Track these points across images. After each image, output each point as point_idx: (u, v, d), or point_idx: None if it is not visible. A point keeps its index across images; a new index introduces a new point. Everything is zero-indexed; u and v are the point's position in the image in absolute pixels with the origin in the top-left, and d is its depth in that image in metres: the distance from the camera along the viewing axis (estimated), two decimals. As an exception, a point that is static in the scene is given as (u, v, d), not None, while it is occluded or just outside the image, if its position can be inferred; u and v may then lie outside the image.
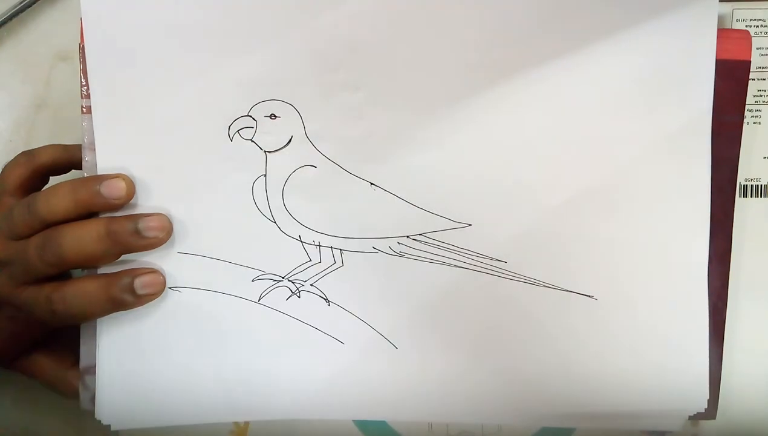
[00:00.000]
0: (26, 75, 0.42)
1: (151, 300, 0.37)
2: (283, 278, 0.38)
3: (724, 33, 0.37)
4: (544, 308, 0.37)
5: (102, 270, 0.37)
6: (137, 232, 0.35)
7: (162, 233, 0.36)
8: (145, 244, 0.36)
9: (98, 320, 0.37)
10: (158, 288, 0.36)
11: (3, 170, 0.38)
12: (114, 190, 0.35)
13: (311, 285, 0.38)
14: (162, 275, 0.37)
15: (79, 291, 0.35)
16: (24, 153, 0.38)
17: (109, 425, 0.38)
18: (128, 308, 0.36)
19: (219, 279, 0.37)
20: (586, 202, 0.37)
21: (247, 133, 0.36)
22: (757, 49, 0.39)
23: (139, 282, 0.36)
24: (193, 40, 0.36)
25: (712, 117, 0.36)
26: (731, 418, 0.41)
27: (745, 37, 0.37)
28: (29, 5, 0.41)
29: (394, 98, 0.36)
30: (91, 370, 0.38)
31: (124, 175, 0.36)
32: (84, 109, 0.36)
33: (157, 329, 0.37)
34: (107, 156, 0.36)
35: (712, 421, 0.40)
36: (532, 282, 0.37)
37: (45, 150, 0.38)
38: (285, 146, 0.37)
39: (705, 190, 0.37)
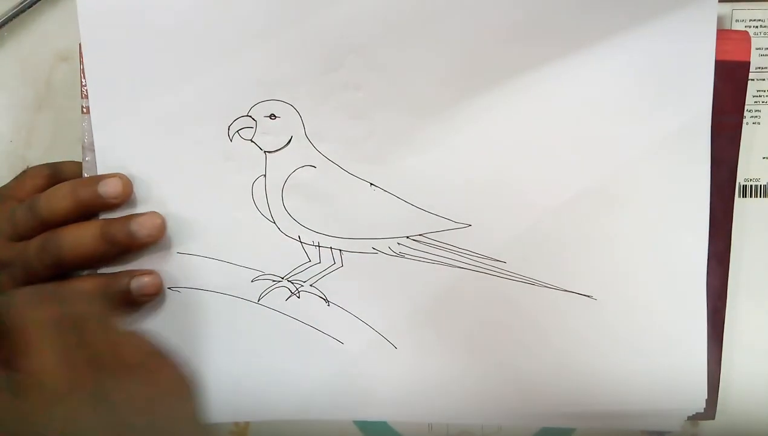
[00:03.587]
0: (27, 75, 0.42)
1: (149, 301, 0.37)
2: (282, 278, 0.38)
3: (723, 34, 0.37)
4: (544, 309, 0.37)
5: (103, 271, 0.37)
6: (130, 232, 0.35)
7: (154, 231, 0.36)
8: (139, 243, 0.36)
9: (98, 320, 0.37)
10: (156, 290, 0.36)
11: (23, 175, 0.38)
12: (111, 188, 0.35)
13: (311, 286, 0.38)
14: (160, 277, 0.37)
15: (78, 292, 0.35)
16: (48, 165, 0.38)
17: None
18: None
19: (218, 279, 0.37)
20: (585, 203, 0.37)
21: (247, 134, 0.36)
22: (757, 49, 0.39)
23: (136, 284, 0.36)
24: (192, 39, 0.36)
25: (712, 117, 0.36)
26: (730, 418, 0.41)
27: (744, 38, 0.37)
28: (30, 5, 0.41)
29: (394, 98, 0.36)
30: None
31: (121, 174, 0.36)
32: (84, 110, 0.36)
33: (156, 329, 0.37)
34: (107, 156, 0.36)
35: (712, 421, 0.40)
36: (532, 282, 0.37)
37: (69, 166, 0.38)
38: (285, 146, 0.37)
39: (704, 190, 0.37)
